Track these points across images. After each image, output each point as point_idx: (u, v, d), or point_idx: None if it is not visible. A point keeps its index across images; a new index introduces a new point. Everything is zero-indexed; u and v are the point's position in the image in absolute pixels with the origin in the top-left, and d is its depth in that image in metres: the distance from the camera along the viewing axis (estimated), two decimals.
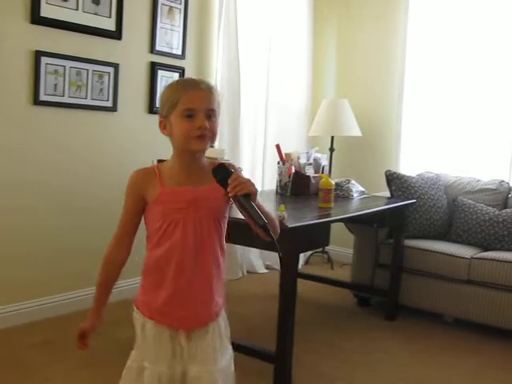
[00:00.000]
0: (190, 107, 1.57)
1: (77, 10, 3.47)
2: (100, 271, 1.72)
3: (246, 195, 1.53)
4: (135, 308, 1.72)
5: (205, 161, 1.67)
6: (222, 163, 1.64)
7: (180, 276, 1.63)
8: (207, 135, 1.58)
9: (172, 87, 1.64)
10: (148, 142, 3.97)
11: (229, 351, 1.78)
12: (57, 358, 2.96)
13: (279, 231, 1.69)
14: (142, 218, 1.71)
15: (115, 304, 3.74)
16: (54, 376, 2.77)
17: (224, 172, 1.58)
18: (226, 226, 1.71)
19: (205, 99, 1.59)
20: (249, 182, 1.55)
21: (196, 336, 1.68)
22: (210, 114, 1.59)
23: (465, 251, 3.73)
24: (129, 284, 3.92)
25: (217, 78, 4.44)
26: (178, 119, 1.58)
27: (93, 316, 1.73)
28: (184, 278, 1.64)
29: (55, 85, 3.42)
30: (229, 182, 1.55)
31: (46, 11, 3.31)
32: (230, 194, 1.55)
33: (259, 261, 4.94)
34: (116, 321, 3.50)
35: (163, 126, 1.64)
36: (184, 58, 4.18)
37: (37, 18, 3.28)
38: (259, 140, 4.90)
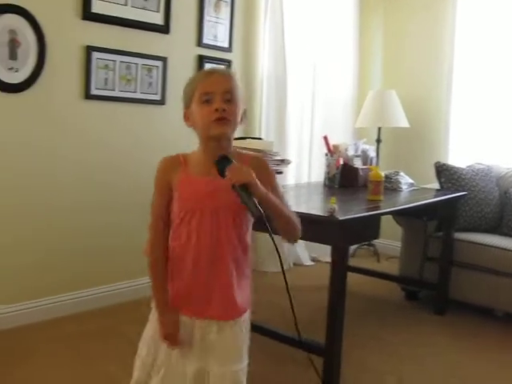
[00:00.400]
0: (207, 91, 1.57)
1: (126, 5, 3.52)
2: (148, 267, 1.71)
3: (244, 186, 1.50)
4: None
5: (233, 151, 1.65)
6: (224, 154, 1.57)
7: (196, 268, 1.62)
8: (227, 118, 1.56)
9: (191, 78, 1.67)
10: (196, 136, 3.98)
11: (241, 363, 1.70)
12: (111, 346, 3.03)
13: (299, 229, 1.66)
14: None
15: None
16: (112, 362, 2.83)
17: (224, 163, 1.54)
18: (249, 220, 1.66)
19: (221, 83, 1.58)
20: (246, 173, 1.52)
21: (211, 331, 1.65)
22: (229, 98, 1.57)
23: None
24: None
25: (263, 69, 4.45)
26: (197, 106, 1.60)
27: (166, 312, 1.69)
28: (200, 270, 1.62)
29: (105, 79, 3.48)
30: (226, 172, 1.52)
31: (97, 7, 3.37)
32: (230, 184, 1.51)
33: (305, 253, 4.94)
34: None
35: (186, 118, 1.67)
36: (231, 51, 4.20)
37: (88, 14, 3.34)
38: (305, 132, 4.89)
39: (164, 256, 1.67)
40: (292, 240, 1.71)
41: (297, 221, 1.65)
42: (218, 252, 1.62)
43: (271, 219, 1.55)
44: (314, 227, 2.55)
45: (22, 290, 3.26)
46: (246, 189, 1.50)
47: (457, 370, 2.96)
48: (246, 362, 1.71)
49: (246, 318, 1.73)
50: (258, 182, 1.52)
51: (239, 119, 1.63)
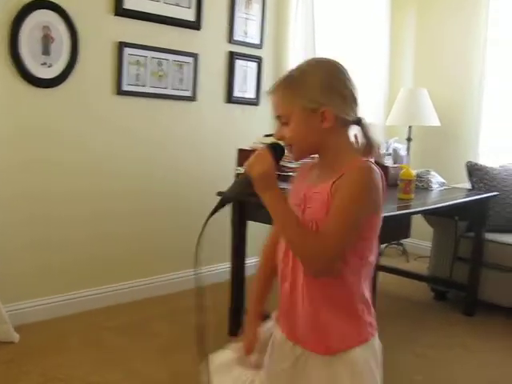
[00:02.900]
0: (274, 115, 1.42)
1: (158, 1, 3.54)
2: None
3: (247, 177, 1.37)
4: None
5: (345, 159, 1.37)
6: (275, 143, 1.41)
7: (282, 282, 1.48)
8: (287, 144, 1.40)
9: None
10: (227, 131, 4.01)
11: None
12: (136, 342, 3.06)
13: (307, 261, 1.33)
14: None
15: (191, 291, 3.85)
16: (134, 358, 2.86)
17: (274, 148, 1.40)
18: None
19: (273, 106, 1.42)
20: (253, 165, 1.36)
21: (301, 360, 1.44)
22: (284, 121, 1.38)
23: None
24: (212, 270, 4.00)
25: (293, 65, 4.42)
26: None
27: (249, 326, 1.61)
28: (284, 286, 1.47)
29: (137, 75, 3.50)
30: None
31: (129, 3, 3.39)
32: None
33: None
34: (193, 307, 3.59)
35: None
36: (261, 48, 4.19)
37: (120, 10, 3.36)
38: None
39: (270, 263, 1.56)
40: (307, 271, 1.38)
41: (307, 251, 1.31)
42: (295, 268, 1.45)
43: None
44: None
45: (55, 283, 3.31)
46: (248, 179, 1.37)
47: (486, 371, 2.92)
48: None
49: (352, 358, 1.40)
50: (262, 184, 1.35)
51: (305, 134, 1.38)
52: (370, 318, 1.46)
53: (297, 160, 1.51)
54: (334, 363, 1.39)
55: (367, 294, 1.44)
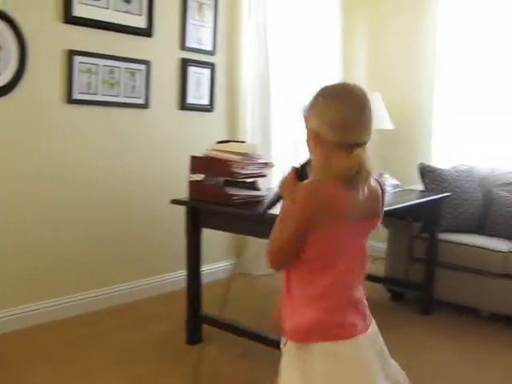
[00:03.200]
0: None
1: (108, 8, 3.50)
2: None
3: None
4: None
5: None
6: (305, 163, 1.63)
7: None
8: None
9: None
10: (180, 138, 4.00)
11: None
12: (92, 353, 3.01)
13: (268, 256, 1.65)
14: None
15: (148, 299, 3.82)
16: (88, 370, 2.81)
17: (303, 167, 1.62)
18: (308, 252, 1.56)
19: None
20: (285, 187, 1.63)
21: None
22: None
23: (501, 245, 3.68)
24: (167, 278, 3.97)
25: (247, 72, 4.43)
26: None
27: None
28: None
29: (88, 83, 3.46)
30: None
31: (79, 11, 3.35)
32: None
33: None
34: (151, 316, 3.56)
35: None
36: (214, 54, 4.19)
37: (69, 18, 3.32)
38: (291, 135, 4.88)
39: None
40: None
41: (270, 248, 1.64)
42: None
43: None
44: None
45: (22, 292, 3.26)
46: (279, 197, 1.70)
47: (443, 370, 2.97)
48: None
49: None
50: (287, 203, 1.59)
51: (312, 149, 1.58)
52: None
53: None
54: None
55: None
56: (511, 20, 4.43)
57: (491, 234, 3.91)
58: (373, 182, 1.60)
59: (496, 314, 3.66)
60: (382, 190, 1.67)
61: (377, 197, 1.63)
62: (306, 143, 1.61)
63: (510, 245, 3.69)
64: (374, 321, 1.68)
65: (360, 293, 1.66)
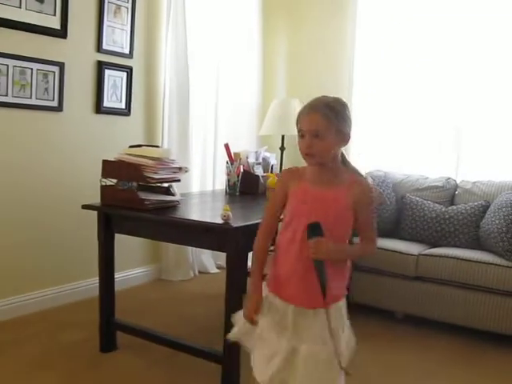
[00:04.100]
0: (301, 128, 1.87)
1: (20, 7, 3.39)
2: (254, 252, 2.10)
3: (317, 260, 1.81)
4: None
5: (340, 169, 1.95)
6: (317, 223, 1.81)
7: (298, 260, 1.91)
8: (313, 153, 1.85)
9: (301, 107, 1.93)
10: (95, 142, 3.91)
11: (324, 345, 1.89)
12: (5, 360, 2.91)
13: (371, 253, 2.03)
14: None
15: (62, 307, 3.72)
16: (2, 378, 2.72)
17: (315, 230, 1.81)
18: (347, 228, 1.95)
19: (309, 122, 1.84)
20: (325, 250, 1.81)
21: (301, 316, 1.93)
22: (317, 134, 1.82)
23: (412, 248, 3.79)
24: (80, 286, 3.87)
25: (165, 76, 4.39)
26: (298, 136, 1.89)
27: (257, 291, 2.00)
28: (300, 262, 1.90)
29: None
30: (311, 240, 1.80)
31: None
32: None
33: (211, 261, 4.92)
34: (64, 324, 3.47)
35: None
36: (132, 57, 4.12)
37: None
38: (210, 140, 4.88)
39: (267, 246, 2.05)
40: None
41: (372, 251, 2.01)
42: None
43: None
44: (210, 235, 2.55)
45: None
46: (319, 262, 1.81)
47: (357, 371, 3.00)
48: (330, 344, 1.88)
49: (335, 307, 1.93)
50: (333, 252, 1.84)
51: (331, 149, 1.87)
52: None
53: (313, 164, 1.93)
54: (318, 313, 1.91)
55: None
56: (428, 27, 4.59)
57: (404, 238, 4.03)
58: None
59: (410, 315, 3.76)
60: None
61: None
62: (319, 153, 1.85)
63: (421, 248, 3.81)
64: None
65: None
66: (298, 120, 1.90)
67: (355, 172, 2.00)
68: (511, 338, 3.43)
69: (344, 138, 1.89)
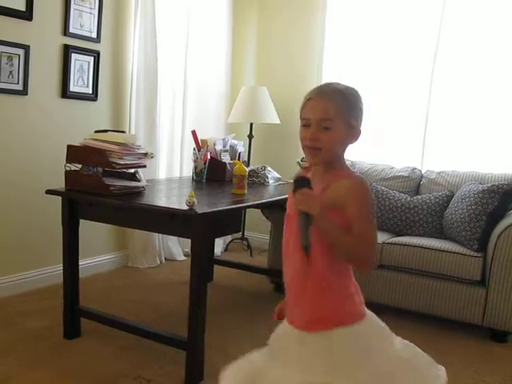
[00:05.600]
0: (305, 116, 1.62)
1: None
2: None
3: (304, 213, 1.51)
4: None
5: (336, 166, 1.68)
6: (303, 176, 1.60)
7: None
8: (319, 147, 1.60)
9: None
10: (61, 126, 3.87)
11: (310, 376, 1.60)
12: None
13: (366, 262, 1.59)
14: None
15: (25, 294, 3.68)
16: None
17: (301, 183, 1.57)
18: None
19: (318, 109, 1.60)
20: (312, 203, 1.51)
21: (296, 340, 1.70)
22: (326, 126, 1.59)
23: (378, 237, 3.82)
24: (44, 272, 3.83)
25: (133, 61, 4.35)
26: (300, 125, 1.65)
27: None
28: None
29: None
30: (296, 194, 1.55)
31: None
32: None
33: (178, 248, 4.91)
34: (26, 312, 3.43)
35: None
36: (99, 42, 4.07)
37: None
38: (177, 126, 4.85)
39: None
40: (360, 271, 1.62)
41: (365, 253, 1.57)
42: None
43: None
44: (175, 221, 2.55)
45: None
46: (307, 217, 1.51)
47: None
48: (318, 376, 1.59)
49: (336, 334, 1.62)
50: (324, 215, 1.52)
51: (340, 144, 1.65)
52: None
53: (315, 164, 1.68)
54: (316, 337, 1.66)
55: None
56: (395, 19, 4.64)
57: None
58: None
59: (373, 303, 3.78)
60: None
61: None
62: (326, 147, 1.61)
63: (386, 236, 3.86)
64: None
65: None
66: (302, 106, 1.65)
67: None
68: (473, 325, 3.50)
69: (355, 133, 1.65)
